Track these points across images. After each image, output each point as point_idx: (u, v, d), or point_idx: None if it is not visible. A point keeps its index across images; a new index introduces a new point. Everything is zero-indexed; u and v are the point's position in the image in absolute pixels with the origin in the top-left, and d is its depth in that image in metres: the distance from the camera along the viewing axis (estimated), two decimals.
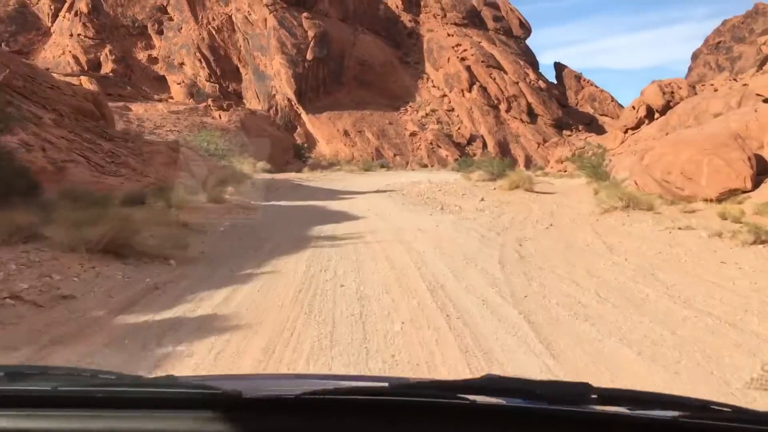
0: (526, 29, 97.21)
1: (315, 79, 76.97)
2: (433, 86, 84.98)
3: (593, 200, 17.90)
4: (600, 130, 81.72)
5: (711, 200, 14.68)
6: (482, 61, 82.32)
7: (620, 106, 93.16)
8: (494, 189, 22.63)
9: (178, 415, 1.30)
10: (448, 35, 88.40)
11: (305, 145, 65.67)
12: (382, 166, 65.43)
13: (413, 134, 75.29)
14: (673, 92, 35.92)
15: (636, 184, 19.56)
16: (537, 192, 21.22)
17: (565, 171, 43.15)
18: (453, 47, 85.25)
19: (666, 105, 35.53)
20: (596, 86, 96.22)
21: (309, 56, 75.84)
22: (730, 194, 14.67)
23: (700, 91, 36.26)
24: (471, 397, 1.30)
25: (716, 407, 1.36)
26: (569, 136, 74.26)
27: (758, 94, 15.68)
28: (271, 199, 19.47)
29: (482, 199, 17.88)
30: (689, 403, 1.37)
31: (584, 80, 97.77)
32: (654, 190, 17.32)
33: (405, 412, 1.31)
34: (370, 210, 16.03)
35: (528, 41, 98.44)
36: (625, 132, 38.17)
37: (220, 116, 45.30)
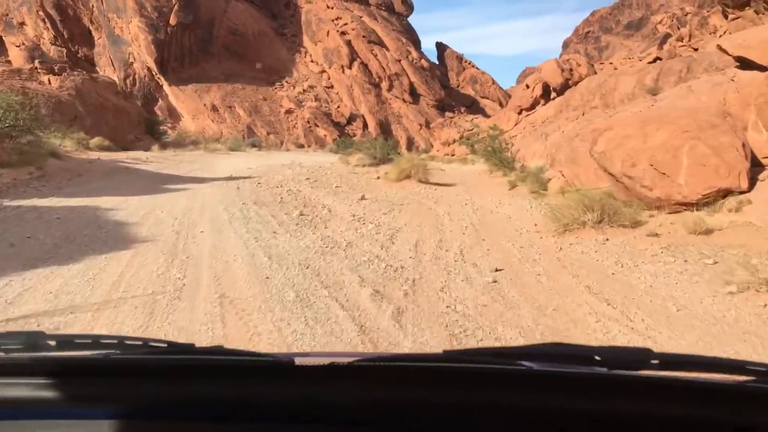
0: (409, 6, 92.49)
1: (180, 47, 68.01)
2: (312, 61, 78.34)
3: (517, 199, 12.72)
4: (482, 113, 78.87)
5: (690, 204, 9.88)
6: (363, 36, 76.64)
7: (501, 89, 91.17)
8: (378, 178, 17.13)
9: (231, 382, 1.26)
10: (328, 7, 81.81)
11: (164, 119, 57.26)
12: (254, 146, 58.38)
13: (289, 111, 68.52)
14: (572, 69, 32.01)
15: (563, 176, 14.63)
16: (433, 184, 15.85)
17: (453, 155, 38.64)
18: (333, 20, 78.88)
19: (565, 83, 31.53)
20: (477, 68, 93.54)
21: (172, 21, 66.74)
22: (717, 196, 9.92)
23: (599, 70, 32.60)
24: (528, 363, 1.27)
25: None
26: (452, 117, 70.50)
27: (741, 57, 11.10)
28: (50, 192, 12.64)
29: (363, 197, 12.15)
30: (755, 368, 1.27)
31: (465, 62, 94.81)
32: (596, 184, 12.45)
33: (462, 378, 1.26)
34: (176, 222, 9.55)
35: (411, 28, 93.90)
36: (520, 113, 33.86)
37: (49, 81, 36.42)
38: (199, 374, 1.28)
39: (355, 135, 69.23)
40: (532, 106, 32.89)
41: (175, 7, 66.84)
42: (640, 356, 1.26)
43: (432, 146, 54.31)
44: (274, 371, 1.29)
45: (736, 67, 12.53)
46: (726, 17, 28.27)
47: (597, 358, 1.26)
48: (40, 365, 1.32)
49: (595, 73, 32.06)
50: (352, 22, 78.24)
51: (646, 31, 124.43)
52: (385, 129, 72.35)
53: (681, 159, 10.02)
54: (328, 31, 77.10)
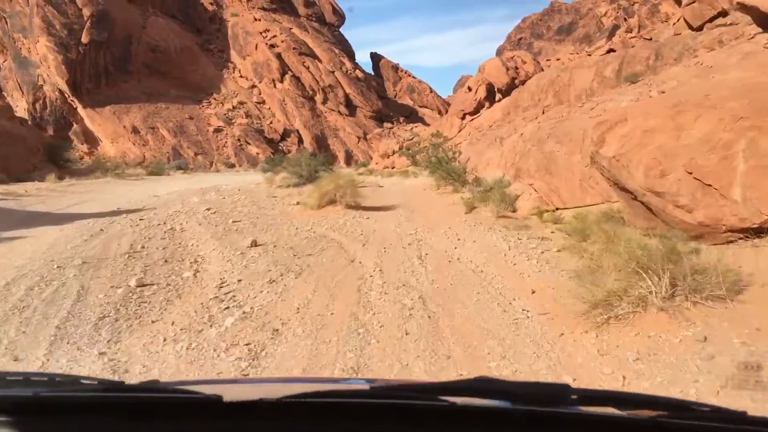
0: (340, 16, 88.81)
1: (94, 67, 62.24)
2: (241, 76, 73.61)
3: (482, 230, 8.82)
4: (422, 122, 75.56)
5: (750, 231, 6.27)
6: (294, 48, 72.45)
7: (439, 97, 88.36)
8: (296, 204, 13.14)
9: (160, 420, 1.25)
10: (255, 20, 77.33)
11: (74, 145, 51.71)
12: (180, 168, 53.41)
13: (218, 130, 63.62)
14: (517, 68, 28.79)
15: (535, 191, 10.87)
16: (366, 209, 11.93)
17: (393, 167, 34.95)
18: (261, 33, 74.43)
19: (511, 83, 28.24)
20: (414, 77, 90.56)
21: (84, 39, 60.93)
22: None
23: (545, 67, 29.41)
24: (452, 399, 1.26)
25: (695, 407, 1.35)
26: (391, 128, 66.95)
27: None
28: None
29: (254, 243, 8.04)
30: (668, 403, 1.35)
31: (402, 71, 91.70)
32: (583, 200, 8.95)
33: (387, 414, 1.26)
34: None
35: (344, 39, 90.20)
36: (463, 118, 30.38)
37: None
38: (127, 412, 1.26)
39: (290, 151, 64.85)
40: (477, 110, 29.47)
41: (87, 24, 61.13)
42: (560, 392, 1.27)
43: (371, 159, 50.53)
44: (202, 408, 1.26)
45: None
46: (680, 3, 25.45)
47: (518, 393, 1.27)
48: None
49: (542, 70, 28.88)
50: (282, 34, 74.00)
51: (577, 35, 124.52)
52: (321, 143, 68.21)
53: (736, 162, 6.34)
54: (256, 45, 72.60)
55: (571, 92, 22.17)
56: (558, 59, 33.32)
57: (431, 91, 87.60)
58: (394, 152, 36.91)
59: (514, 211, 10.39)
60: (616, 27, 52.17)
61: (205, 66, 71.67)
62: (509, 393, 1.27)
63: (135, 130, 58.85)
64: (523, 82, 28.48)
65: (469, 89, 32.13)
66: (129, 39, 65.24)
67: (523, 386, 1.33)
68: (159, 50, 67.03)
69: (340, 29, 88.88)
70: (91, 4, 62.52)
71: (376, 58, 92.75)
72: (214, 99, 69.10)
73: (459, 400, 1.24)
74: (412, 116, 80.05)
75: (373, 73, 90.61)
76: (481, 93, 29.68)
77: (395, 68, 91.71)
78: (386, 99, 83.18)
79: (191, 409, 1.25)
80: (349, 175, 20.06)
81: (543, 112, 22.59)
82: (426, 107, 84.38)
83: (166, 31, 69.03)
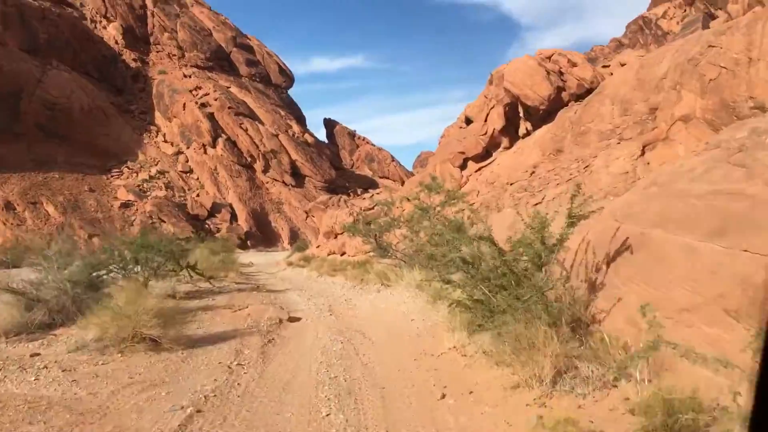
0: (288, 77, 76.24)
1: None
2: (165, 141, 59.46)
3: None
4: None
5: None
6: (230, 108, 58.95)
7: (402, 167, 75.49)
8: None
9: None
10: (185, 76, 63.98)
11: None
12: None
13: (126, 205, 48.69)
14: (563, 73, 15.40)
15: None
16: None
17: (344, 254, 20.69)
18: (191, 91, 60.94)
19: (556, 97, 14.75)
20: (374, 145, 77.89)
21: None
22: None
23: (606, 74, 16.07)
24: None
25: None
26: (341, 198, 53.21)
27: None
28: None
29: None
30: None
31: (359, 138, 78.99)
32: None
33: None
34: None
35: (293, 102, 77.51)
36: (463, 166, 16.38)
37: None
38: None
39: (218, 230, 50.08)
40: (487, 152, 15.64)
41: None
42: None
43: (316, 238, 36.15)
44: None
45: None
46: None
47: None
48: None
49: (603, 79, 15.48)
50: (216, 91, 60.62)
51: None
52: (260, 220, 53.67)
53: None
54: (184, 104, 58.94)
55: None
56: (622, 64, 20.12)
57: (393, 160, 74.78)
58: (351, 227, 22.72)
59: None
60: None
61: (119, 129, 57.35)
62: None
63: (8, 206, 43.52)
64: (576, 97, 14.98)
65: (469, 122, 18.45)
66: (18, 93, 50.76)
67: None
68: (58, 109, 52.55)
69: (288, 91, 76.24)
70: None
71: (330, 124, 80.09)
72: (128, 168, 54.45)
73: None
74: (371, 188, 66.67)
75: (326, 141, 77.73)
76: (497, 122, 16.09)
77: (352, 135, 79.04)
78: (341, 169, 69.93)
79: None
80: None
81: (643, 151, 9.41)
82: (387, 177, 71.28)
83: (71, 86, 54.82)
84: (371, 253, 15.85)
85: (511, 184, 14.01)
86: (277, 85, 73.42)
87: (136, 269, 11.93)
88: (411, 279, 10.18)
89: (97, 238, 43.53)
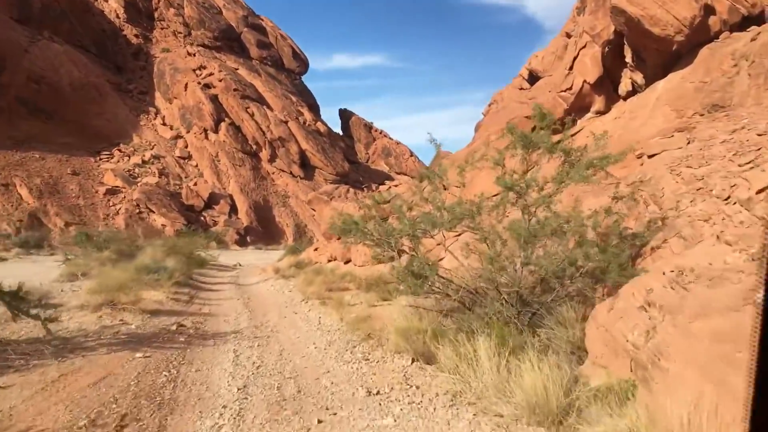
0: (302, 62, 70.27)
1: None
2: (163, 124, 53.72)
3: None
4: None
5: None
6: (235, 90, 53.09)
7: (421, 162, 69.33)
8: None
9: None
10: (189, 54, 58.21)
11: None
12: (37, 246, 32.53)
13: (113, 191, 42.94)
14: None
15: None
16: None
17: (348, 262, 14.59)
18: (194, 70, 55.17)
19: (702, 21, 8.39)
20: (391, 138, 71.72)
21: None
22: None
23: None
24: None
25: None
26: (349, 189, 47.05)
27: None
28: None
29: None
30: None
31: (376, 131, 72.84)
32: None
33: None
34: None
35: (306, 89, 71.52)
36: (564, 121, 9.35)
37: None
38: None
39: (215, 223, 44.24)
40: (568, 117, 9.38)
41: None
42: None
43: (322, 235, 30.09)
44: None
45: None
46: None
47: None
48: None
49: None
50: (221, 72, 54.79)
51: None
52: (262, 214, 47.71)
53: None
54: (186, 84, 53.18)
55: None
56: None
57: (411, 155, 68.59)
58: (334, 231, 16.68)
59: None
60: None
61: (114, 108, 51.68)
62: None
63: None
64: (730, 27, 8.74)
65: (535, 80, 12.28)
66: (1, 63, 45.31)
67: None
68: (45, 83, 46.99)
69: (302, 77, 70.29)
70: None
71: (345, 114, 73.99)
72: (119, 150, 48.73)
73: None
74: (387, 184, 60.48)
75: (341, 133, 71.73)
76: (590, 71, 9.99)
77: (368, 127, 72.90)
78: (356, 163, 63.90)
79: None
80: None
81: None
82: (405, 173, 65.11)
83: (61, 59, 49.22)
84: (391, 263, 9.58)
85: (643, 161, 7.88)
86: (290, 69, 67.49)
87: None
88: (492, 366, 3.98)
89: (75, 227, 37.84)
